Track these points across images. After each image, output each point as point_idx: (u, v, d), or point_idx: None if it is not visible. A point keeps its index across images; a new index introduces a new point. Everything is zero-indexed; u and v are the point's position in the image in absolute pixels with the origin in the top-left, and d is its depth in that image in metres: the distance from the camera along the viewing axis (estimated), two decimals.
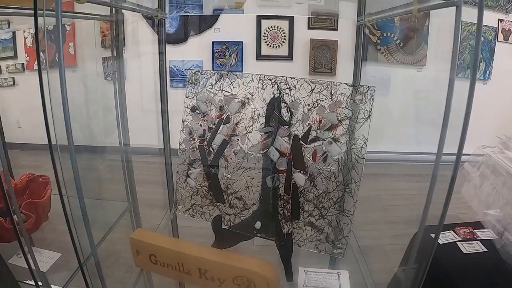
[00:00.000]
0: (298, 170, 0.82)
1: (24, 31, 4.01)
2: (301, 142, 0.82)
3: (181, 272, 0.81)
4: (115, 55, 1.28)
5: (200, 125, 0.92)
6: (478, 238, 1.37)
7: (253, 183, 0.86)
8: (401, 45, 4.02)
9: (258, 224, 0.85)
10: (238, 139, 0.88)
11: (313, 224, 0.83)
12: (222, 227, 0.89)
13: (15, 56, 4.11)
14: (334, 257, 0.87)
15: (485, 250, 1.30)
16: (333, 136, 0.80)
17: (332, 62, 4.00)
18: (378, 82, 3.99)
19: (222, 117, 0.90)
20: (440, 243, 1.39)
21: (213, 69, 4.10)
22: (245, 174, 0.87)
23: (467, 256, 1.29)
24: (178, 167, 0.95)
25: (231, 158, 0.88)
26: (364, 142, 0.78)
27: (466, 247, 1.34)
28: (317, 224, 0.82)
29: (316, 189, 0.81)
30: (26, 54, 4.05)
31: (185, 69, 4.04)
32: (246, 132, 0.87)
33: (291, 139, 0.82)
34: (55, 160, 0.71)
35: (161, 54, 1.21)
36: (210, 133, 0.91)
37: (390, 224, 2.37)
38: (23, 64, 4.01)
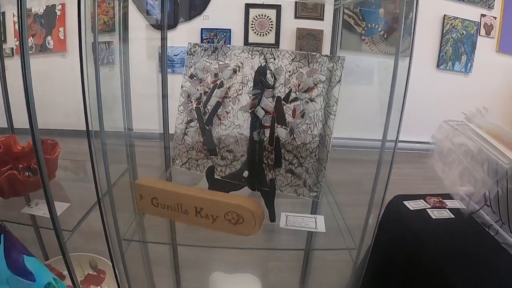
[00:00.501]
0: (280, 125, 0.99)
1: (14, 15, 4.04)
2: (283, 102, 0.98)
3: (179, 212, 0.96)
4: (119, 38, 1.32)
5: (197, 90, 1.08)
6: (447, 207, 1.53)
7: (242, 138, 1.03)
8: (385, 36, 4.21)
9: (246, 173, 1.02)
10: (230, 101, 1.04)
11: (293, 172, 1.00)
12: (215, 177, 1.05)
13: (4, 41, 4.14)
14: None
15: (453, 216, 1.46)
16: (309, 97, 0.97)
17: (317, 51, 4.17)
18: (362, 71, 4.17)
19: (216, 82, 1.06)
20: (411, 209, 1.55)
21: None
22: (235, 130, 1.03)
23: (436, 220, 1.45)
24: (177, 127, 1.11)
25: (223, 117, 1.04)
26: (335, 102, 0.95)
27: (435, 213, 1.49)
28: (296, 171, 1.00)
29: (295, 141, 0.98)
30: (16, 39, 4.09)
31: (173, 55, 4.16)
32: (237, 95, 1.03)
33: (275, 99, 0.99)
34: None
35: (163, 39, 1.30)
36: (205, 96, 1.06)
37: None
38: (12, 48, 4.05)
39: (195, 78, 1.09)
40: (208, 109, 1.07)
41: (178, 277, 1.63)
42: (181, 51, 4.15)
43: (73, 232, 1.01)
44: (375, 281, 1.54)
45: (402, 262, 1.41)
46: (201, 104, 1.08)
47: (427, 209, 1.52)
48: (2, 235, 0.71)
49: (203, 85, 1.08)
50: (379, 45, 4.24)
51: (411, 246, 1.37)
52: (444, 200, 1.57)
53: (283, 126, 0.99)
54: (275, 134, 0.99)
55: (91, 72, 0.89)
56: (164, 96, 1.33)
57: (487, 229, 1.33)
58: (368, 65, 4.21)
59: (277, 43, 4.18)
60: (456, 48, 4.48)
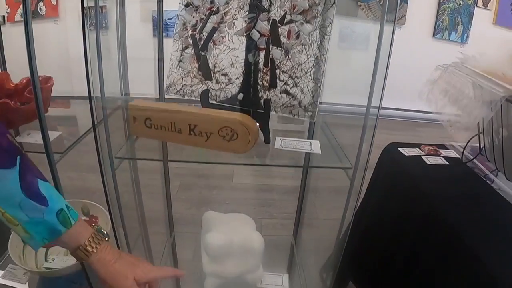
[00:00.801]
0: (275, 47, 0.99)
1: None
2: (278, 24, 0.99)
3: (172, 132, 0.98)
4: (116, 2, 1.30)
5: (193, 17, 1.08)
6: (442, 155, 1.55)
7: (237, 61, 1.04)
8: (381, 3, 4.19)
9: (240, 96, 1.03)
10: (225, 26, 1.04)
11: (288, 92, 1.01)
12: (210, 101, 1.07)
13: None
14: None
15: (448, 164, 1.48)
16: (304, 18, 0.97)
17: None
18: (358, 37, 4.16)
19: (212, 9, 1.06)
20: (406, 155, 1.58)
21: None
22: (231, 54, 1.04)
23: (431, 166, 1.47)
24: (172, 54, 1.11)
25: (219, 41, 1.05)
26: (330, 23, 0.96)
27: (430, 160, 1.51)
28: (291, 91, 1.01)
29: (290, 61, 0.99)
30: (7, 6, 4.01)
31: (167, 19, 4.10)
32: (232, 19, 1.03)
33: (270, 22, 0.99)
34: None
35: (159, 2, 1.32)
36: (201, 23, 1.07)
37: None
38: (3, 16, 3.98)
39: (191, 6, 1.09)
40: (203, 35, 1.07)
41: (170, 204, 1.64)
42: (175, 15, 4.10)
43: (64, 154, 1.01)
44: (372, 220, 1.57)
45: (397, 204, 1.44)
46: (197, 30, 1.08)
47: (422, 156, 1.54)
48: (18, 157, 0.70)
49: (199, 12, 1.08)
50: (375, 11, 4.22)
51: (407, 189, 1.39)
52: (439, 149, 1.60)
53: (278, 48, 1.00)
54: (270, 55, 1.00)
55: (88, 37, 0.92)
56: (160, 59, 1.32)
57: (483, 178, 1.36)
58: (364, 31, 4.19)
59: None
60: (453, 18, 4.46)
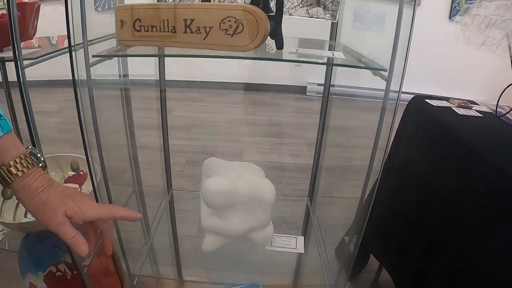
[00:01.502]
0: None
1: None
2: None
3: (166, 33, 0.75)
4: None
5: None
6: (473, 108, 1.34)
7: None
8: None
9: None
10: None
11: None
12: None
13: None
14: None
15: (481, 116, 1.26)
16: None
17: None
18: (373, 18, 3.92)
19: None
20: (434, 105, 1.35)
21: None
22: None
23: (463, 116, 1.25)
24: None
25: None
26: None
27: (461, 111, 1.30)
28: None
29: None
30: None
31: None
32: None
33: None
34: None
35: None
36: None
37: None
38: None
39: None
40: None
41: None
42: None
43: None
44: (401, 175, 1.34)
45: (431, 153, 1.22)
46: None
47: (452, 107, 1.33)
48: None
49: None
50: None
51: (440, 137, 1.17)
52: (470, 104, 1.39)
53: None
54: None
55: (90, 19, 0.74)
56: None
57: None
58: (379, 11, 3.94)
59: None
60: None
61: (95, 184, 0.91)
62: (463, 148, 1.03)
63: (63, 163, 1.35)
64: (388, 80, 0.77)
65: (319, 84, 4.37)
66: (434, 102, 1.37)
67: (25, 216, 1.22)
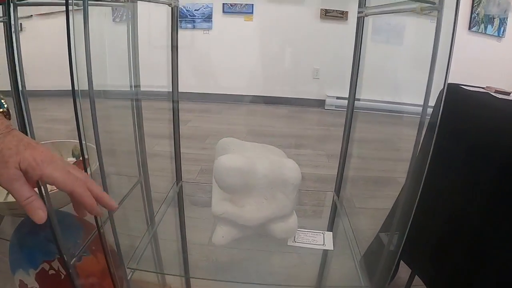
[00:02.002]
0: None
1: None
2: None
3: None
4: None
5: None
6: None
7: None
8: None
9: None
10: None
11: None
12: None
13: None
14: None
15: None
16: None
17: (344, 7, 3.79)
18: (392, 30, 3.78)
19: None
20: (470, 90, 1.19)
21: (223, 11, 3.92)
22: None
23: (502, 100, 1.09)
24: None
25: None
26: None
27: (499, 96, 1.15)
28: None
29: None
30: None
31: (194, 10, 3.83)
32: None
33: None
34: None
35: None
36: None
37: None
38: None
39: None
40: None
41: None
42: (202, 5, 3.83)
43: None
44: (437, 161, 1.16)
45: (466, 140, 1.05)
46: None
47: (489, 93, 1.19)
48: None
49: None
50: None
51: (480, 123, 1.01)
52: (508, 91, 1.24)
53: None
54: None
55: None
56: (174, 47, 1.08)
57: None
58: (397, 24, 3.81)
59: None
60: None
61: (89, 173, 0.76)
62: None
63: (64, 149, 1.22)
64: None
65: (338, 98, 4.22)
66: (469, 88, 1.22)
67: None
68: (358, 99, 1.18)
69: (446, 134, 1.15)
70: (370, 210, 2.18)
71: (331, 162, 2.95)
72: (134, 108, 1.08)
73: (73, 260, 0.84)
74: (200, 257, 1.03)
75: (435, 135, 0.71)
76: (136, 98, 1.08)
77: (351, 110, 1.15)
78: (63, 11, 0.53)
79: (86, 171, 0.71)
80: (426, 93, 0.68)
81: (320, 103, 4.38)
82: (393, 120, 3.69)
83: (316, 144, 3.35)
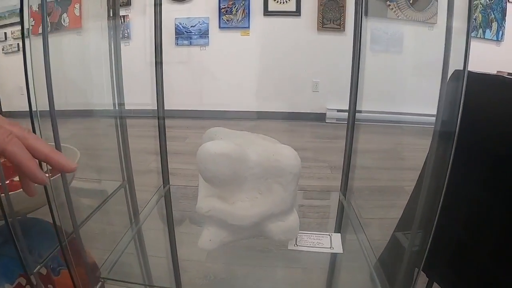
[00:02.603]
0: None
1: None
2: None
3: None
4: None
5: None
6: None
7: None
8: (410, 2, 3.73)
9: None
10: None
11: None
12: None
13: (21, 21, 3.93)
14: None
15: None
16: None
17: (341, 18, 3.70)
18: (390, 39, 3.69)
19: None
20: (479, 72, 1.07)
21: (219, 27, 3.84)
22: None
23: None
24: None
25: None
26: None
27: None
28: None
29: None
30: (32, 19, 3.81)
31: (190, 26, 3.76)
32: None
33: None
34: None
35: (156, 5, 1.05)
36: None
37: None
38: (28, 29, 3.78)
39: None
40: None
41: None
42: (198, 22, 3.76)
43: None
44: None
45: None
46: None
47: (500, 75, 1.07)
48: None
49: None
50: (405, 11, 3.76)
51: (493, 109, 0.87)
52: None
53: None
54: None
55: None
56: (158, 63, 1.05)
57: None
58: (396, 32, 3.72)
59: (298, 11, 3.75)
60: (486, 14, 3.98)
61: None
62: None
63: None
64: None
65: (338, 110, 4.10)
66: (478, 72, 1.10)
67: None
68: (360, 111, 1.10)
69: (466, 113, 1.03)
70: (379, 212, 2.06)
71: (334, 173, 2.82)
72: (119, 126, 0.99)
73: (44, 272, 0.70)
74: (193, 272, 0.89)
75: (456, 131, 0.58)
76: (120, 115, 1.02)
77: (352, 110, 1.08)
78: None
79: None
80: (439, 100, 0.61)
81: (321, 117, 4.26)
82: (394, 130, 3.59)
83: (319, 155, 3.23)
